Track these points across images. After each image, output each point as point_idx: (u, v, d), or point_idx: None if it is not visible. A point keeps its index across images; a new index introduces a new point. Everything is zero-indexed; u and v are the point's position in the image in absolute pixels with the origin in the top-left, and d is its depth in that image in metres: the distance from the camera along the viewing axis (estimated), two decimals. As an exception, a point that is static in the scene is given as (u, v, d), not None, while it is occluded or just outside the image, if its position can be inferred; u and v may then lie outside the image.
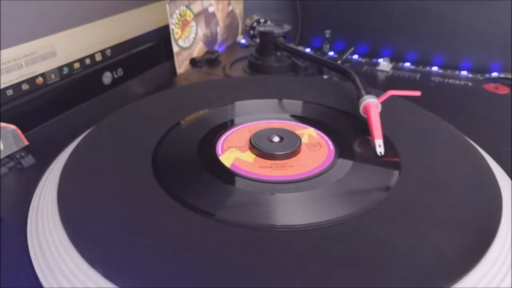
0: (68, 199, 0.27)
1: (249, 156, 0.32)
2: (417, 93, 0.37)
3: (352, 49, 0.58)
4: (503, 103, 0.46)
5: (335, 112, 0.39)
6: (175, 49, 0.53)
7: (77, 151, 0.32)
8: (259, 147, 0.32)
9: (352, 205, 0.27)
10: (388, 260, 0.23)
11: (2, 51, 0.38)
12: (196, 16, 0.56)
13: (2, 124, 0.34)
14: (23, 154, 0.34)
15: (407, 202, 0.27)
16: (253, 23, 0.59)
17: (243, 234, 0.24)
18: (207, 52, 0.58)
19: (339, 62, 0.55)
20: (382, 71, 0.55)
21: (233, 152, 0.32)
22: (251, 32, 0.60)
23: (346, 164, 0.31)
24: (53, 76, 0.43)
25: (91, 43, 0.47)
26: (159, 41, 0.56)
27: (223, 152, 0.32)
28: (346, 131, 0.36)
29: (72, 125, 0.39)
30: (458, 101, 0.47)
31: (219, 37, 0.62)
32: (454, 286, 0.21)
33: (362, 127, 0.35)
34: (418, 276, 0.22)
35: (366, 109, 0.35)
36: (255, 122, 0.37)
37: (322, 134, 0.35)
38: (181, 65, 0.55)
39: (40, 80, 0.42)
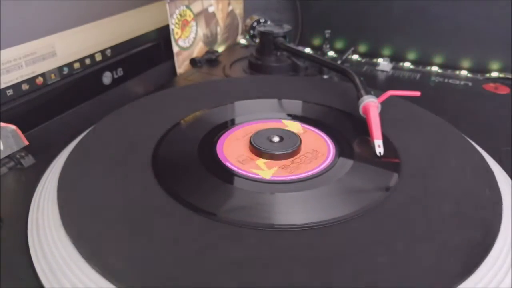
0: (68, 199, 0.27)
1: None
2: (417, 93, 0.37)
3: (352, 49, 0.58)
4: (503, 103, 0.45)
5: (335, 112, 0.39)
6: (175, 49, 0.53)
7: (76, 151, 0.32)
8: (259, 147, 0.32)
9: (352, 205, 0.27)
10: (388, 260, 0.23)
11: (2, 51, 0.38)
12: (196, 16, 0.56)
13: (2, 124, 0.34)
14: (23, 154, 0.34)
15: (407, 202, 0.27)
16: (253, 23, 0.59)
17: (243, 234, 0.24)
18: (207, 52, 0.58)
19: (339, 62, 0.55)
20: (382, 71, 0.55)
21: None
22: (251, 32, 0.60)
23: (346, 164, 0.31)
24: (53, 76, 0.43)
25: (91, 43, 0.47)
26: (159, 41, 0.56)
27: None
28: (346, 131, 0.36)
29: (72, 125, 0.39)
30: (458, 101, 0.47)
31: (219, 37, 0.62)
32: (454, 286, 0.21)
33: (362, 127, 0.35)
34: (418, 277, 0.22)
35: (365, 109, 0.35)
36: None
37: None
38: (181, 65, 0.55)
39: (40, 80, 0.42)
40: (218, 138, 0.34)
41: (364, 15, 0.60)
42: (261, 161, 0.31)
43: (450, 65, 0.56)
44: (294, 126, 0.36)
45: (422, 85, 0.51)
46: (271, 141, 0.33)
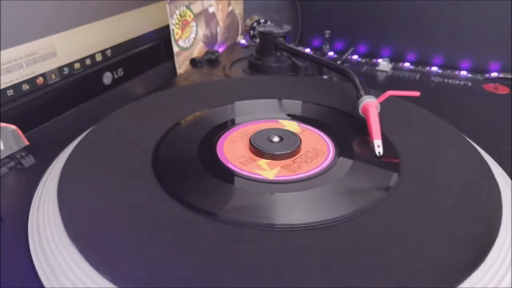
0: (69, 199, 0.27)
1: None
2: (416, 94, 0.37)
3: (352, 49, 0.58)
4: (502, 103, 0.46)
5: (334, 112, 0.39)
6: (175, 49, 0.54)
7: (77, 151, 0.32)
8: (259, 147, 0.32)
9: (352, 205, 0.27)
10: (387, 260, 0.23)
11: (2, 51, 0.38)
12: (196, 16, 0.56)
13: (3, 124, 0.34)
14: (23, 154, 0.34)
15: (406, 202, 0.27)
16: (253, 23, 0.59)
17: (243, 234, 0.24)
18: (207, 52, 0.58)
19: (339, 62, 0.55)
20: (382, 71, 0.55)
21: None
22: (251, 32, 0.60)
23: (345, 164, 0.31)
24: (53, 76, 0.44)
25: (91, 43, 0.47)
26: (159, 41, 0.57)
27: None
28: (346, 131, 0.36)
29: (72, 125, 0.39)
30: (458, 101, 0.47)
31: (219, 38, 0.62)
32: (453, 286, 0.21)
33: (362, 127, 0.35)
34: (418, 277, 0.22)
35: (365, 109, 0.35)
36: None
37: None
38: (181, 65, 0.55)
39: (40, 80, 0.42)
40: (218, 138, 0.34)
41: (364, 15, 0.60)
42: (262, 161, 0.31)
43: (449, 65, 0.56)
44: (292, 126, 0.36)
45: (422, 85, 0.51)
46: (271, 141, 0.33)
